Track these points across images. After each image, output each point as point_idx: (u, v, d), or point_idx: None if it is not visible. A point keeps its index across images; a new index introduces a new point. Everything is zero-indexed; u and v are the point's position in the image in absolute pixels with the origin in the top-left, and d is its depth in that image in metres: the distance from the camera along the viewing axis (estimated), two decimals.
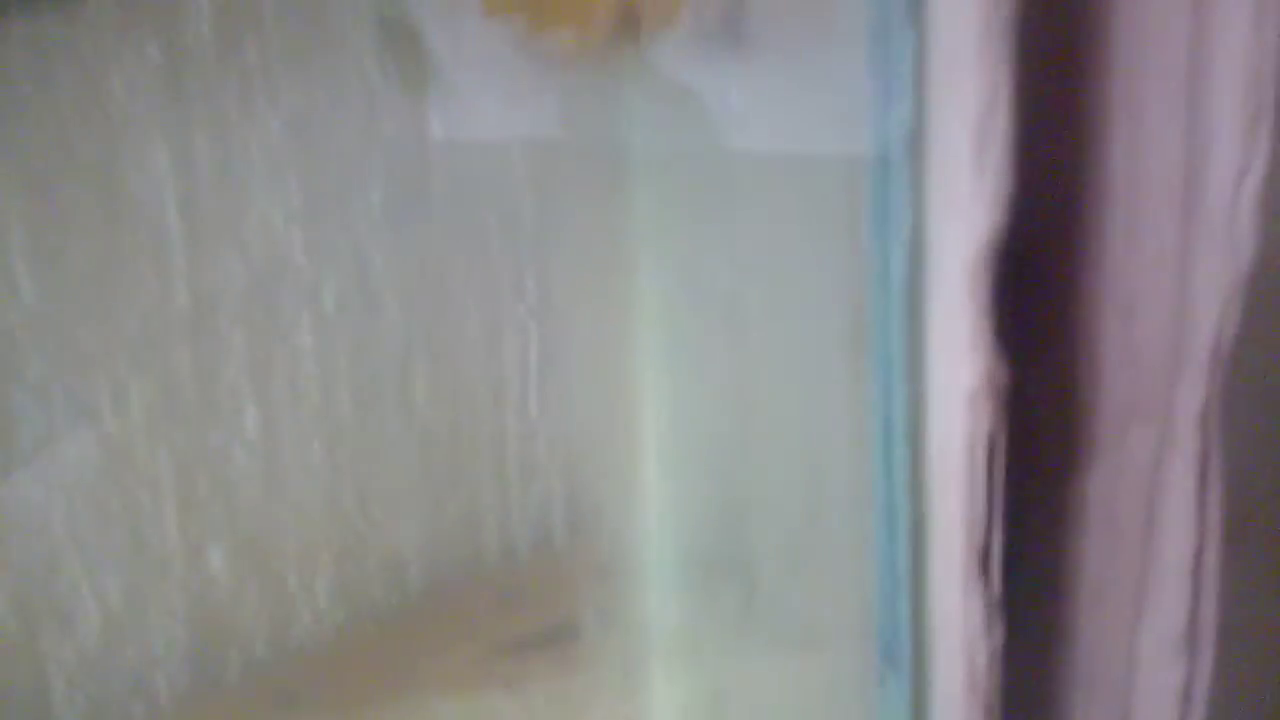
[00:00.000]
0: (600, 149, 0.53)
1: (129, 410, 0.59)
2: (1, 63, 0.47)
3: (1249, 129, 0.20)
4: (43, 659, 0.55)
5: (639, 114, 0.43)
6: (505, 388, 0.71)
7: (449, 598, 0.65)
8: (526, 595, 0.63)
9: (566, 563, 0.60)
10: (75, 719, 0.57)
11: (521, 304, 0.71)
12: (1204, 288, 0.20)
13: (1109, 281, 0.22)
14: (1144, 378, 0.22)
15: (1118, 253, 0.22)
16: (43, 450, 0.54)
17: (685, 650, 0.43)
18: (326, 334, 0.65)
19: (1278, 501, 0.23)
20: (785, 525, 0.34)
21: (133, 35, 0.52)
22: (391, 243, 0.66)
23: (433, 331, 0.67)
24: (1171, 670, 0.21)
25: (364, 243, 0.65)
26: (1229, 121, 0.20)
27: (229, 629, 0.62)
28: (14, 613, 0.54)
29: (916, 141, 0.22)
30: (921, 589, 0.24)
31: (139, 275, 0.59)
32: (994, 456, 0.22)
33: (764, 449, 0.36)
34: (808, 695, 0.31)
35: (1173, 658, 0.21)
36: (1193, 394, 0.21)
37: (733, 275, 0.37)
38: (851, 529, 0.25)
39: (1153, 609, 0.22)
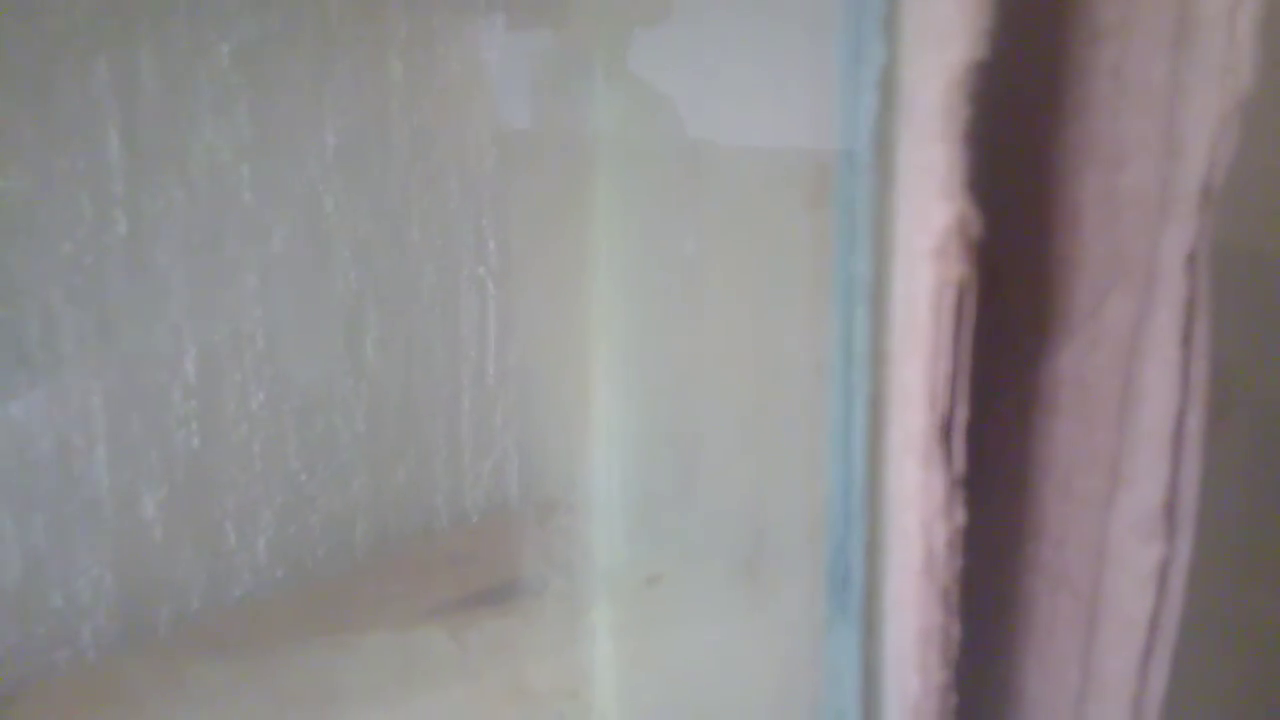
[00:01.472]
0: (567, 115, 0.51)
1: (60, 342, 0.56)
2: None
3: None
4: None
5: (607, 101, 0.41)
6: (461, 348, 0.69)
7: (395, 559, 0.63)
8: (477, 558, 0.60)
9: (518, 527, 0.58)
10: None
11: (482, 265, 0.69)
12: (1196, 123, 0.19)
13: (1093, 129, 0.21)
14: (1127, 233, 0.20)
15: (1103, 95, 0.20)
16: None
17: (630, 604, 0.40)
18: (273, 277, 0.62)
19: (1261, 375, 0.22)
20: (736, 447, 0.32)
21: None
22: (345, 187, 0.63)
23: (387, 285, 0.65)
24: (1146, 550, 0.20)
25: (316, 185, 0.63)
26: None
27: (162, 581, 0.60)
28: None
29: None
30: (879, 470, 0.22)
31: (75, 200, 0.56)
32: (962, 311, 0.20)
33: (720, 387, 0.34)
34: (757, 603, 0.29)
35: (1147, 538, 0.20)
36: (1180, 237, 0.19)
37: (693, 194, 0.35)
38: (799, 416, 0.23)
39: (1127, 486, 0.20)
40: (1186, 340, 0.19)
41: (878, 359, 0.22)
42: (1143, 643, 0.20)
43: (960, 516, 0.21)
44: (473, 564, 0.60)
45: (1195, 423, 0.19)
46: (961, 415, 0.21)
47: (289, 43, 0.60)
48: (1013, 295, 0.22)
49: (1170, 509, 0.19)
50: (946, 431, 0.21)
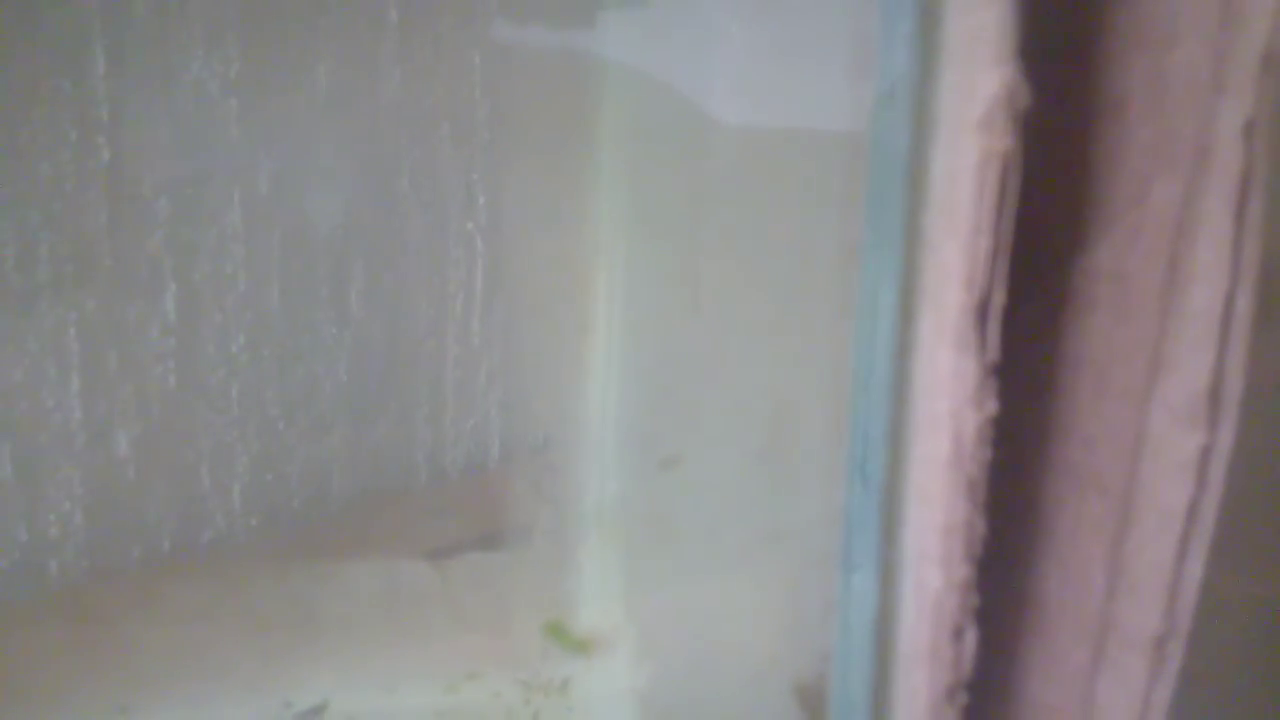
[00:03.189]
0: (567, 66, 0.50)
1: (35, 268, 0.55)
2: None
3: None
4: None
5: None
6: (448, 303, 0.67)
7: (374, 511, 0.61)
8: (458, 512, 0.59)
9: (500, 479, 0.57)
10: None
11: (470, 220, 0.68)
12: None
13: (1145, 9, 0.20)
14: (1177, 112, 0.19)
15: None
16: None
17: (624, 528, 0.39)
18: (258, 217, 0.61)
19: None
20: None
21: None
22: (335, 131, 0.62)
23: (373, 235, 0.63)
24: (1189, 437, 0.19)
25: (306, 126, 0.62)
26: None
27: (132, 520, 0.58)
28: None
29: None
30: (907, 356, 0.21)
31: (56, 123, 0.54)
32: (1006, 187, 0.19)
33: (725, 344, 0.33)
34: (776, 490, 0.28)
35: (1189, 425, 0.19)
36: (1237, 108, 0.18)
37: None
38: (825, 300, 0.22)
39: (1169, 373, 0.19)
40: (1239, 216, 0.18)
41: (911, 237, 0.21)
42: (1180, 532, 0.19)
43: (992, 406, 0.20)
44: (454, 517, 0.59)
45: (1244, 303, 0.18)
46: (999, 299, 0.20)
47: None
48: (1052, 184, 0.21)
49: (1215, 394, 0.19)
50: (983, 315, 0.20)
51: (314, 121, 0.61)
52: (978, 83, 0.19)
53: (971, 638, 0.21)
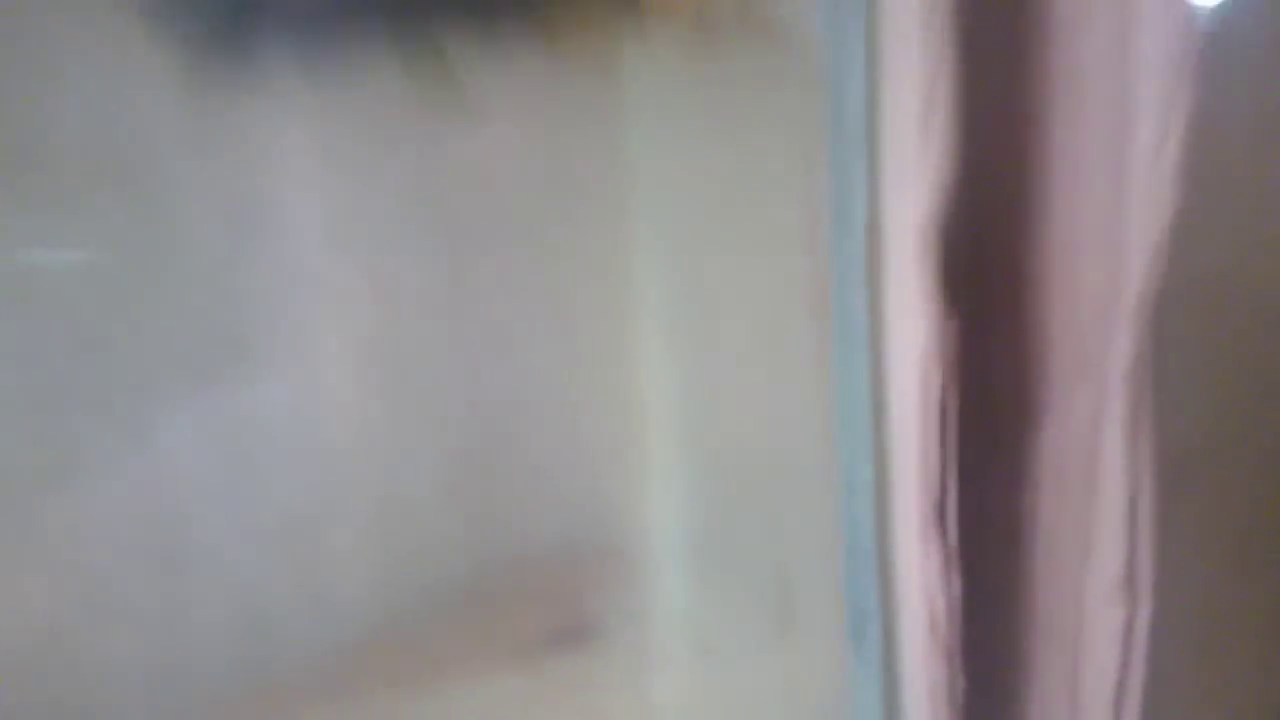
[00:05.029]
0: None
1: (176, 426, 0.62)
2: None
3: (1168, 98, 0.21)
4: (105, 652, 0.58)
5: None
6: (529, 394, 0.73)
7: (480, 594, 0.67)
8: (550, 596, 0.64)
9: (586, 570, 0.62)
10: (134, 710, 0.60)
11: (545, 317, 0.73)
12: (1133, 248, 0.22)
13: (1052, 250, 0.24)
14: (1084, 339, 0.23)
15: (1059, 221, 0.24)
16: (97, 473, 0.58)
17: (690, 633, 0.44)
18: (347, 341, 0.67)
19: (1212, 457, 0.25)
20: (764, 500, 0.36)
21: None
22: (415, 247, 0.68)
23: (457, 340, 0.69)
24: (1114, 611, 0.23)
25: (398, 251, 0.68)
26: (1152, 94, 0.21)
27: (269, 622, 0.65)
28: (85, 613, 0.57)
29: (870, 126, 0.24)
30: (886, 547, 0.26)
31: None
32: (946, 413, 0.24)
33: (745, 436, 0.38)
34: (786, 657, 0.33)
35: (1115, 600, 0.23)
36: (1124, 350, 0.22)
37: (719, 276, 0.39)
38: (819, 494, 0.27)
39: (1097, 556, 0.23)
40: (1134, 439, 0.22)
41: (879, 452, 0.25)
42: (1114, 690, 0.23)
43: (957, 586, 0.24)
44: (555, 600, 0.64)
45: (1147, 508, 0.22)
46: (953, 499, 0.24)
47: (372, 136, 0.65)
48: (998, 380, 0.25)
49: (1130, 579, 0.23)
50: (940, 513, 0.24)
51: (401, 246, 0.67)
52: (913, 332, 0.24)
53: None
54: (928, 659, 0.25)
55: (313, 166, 0.59)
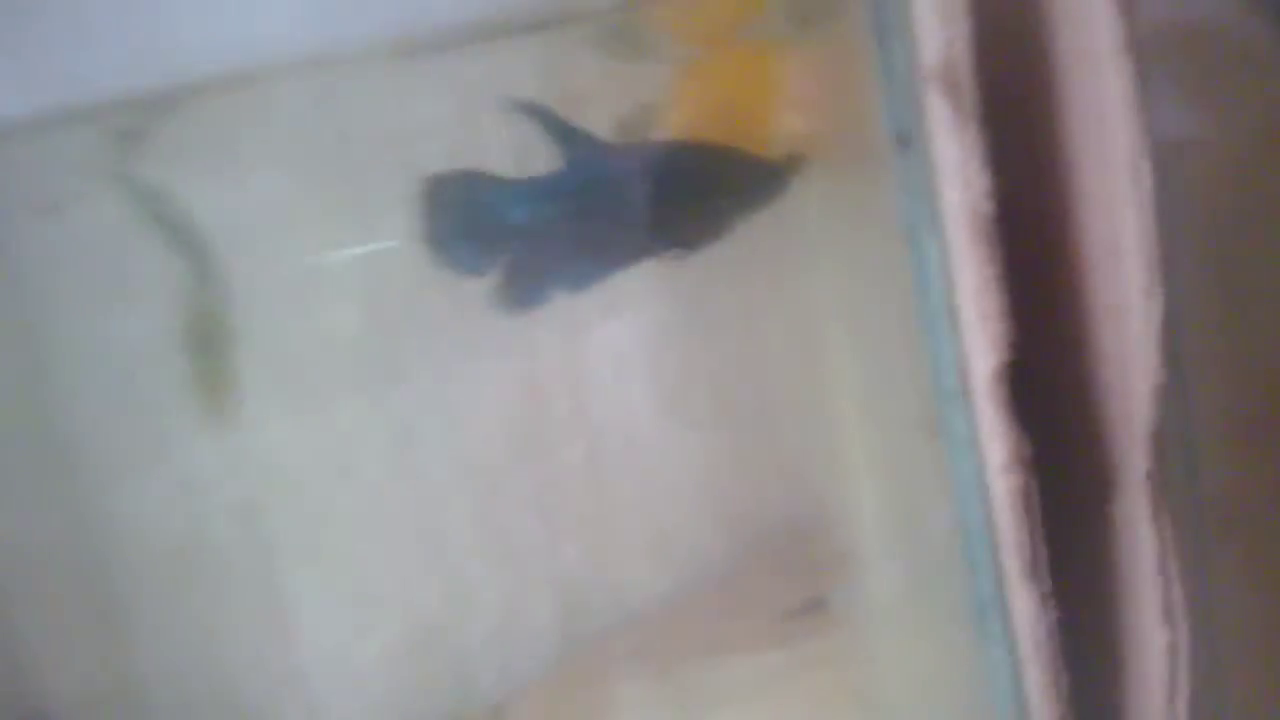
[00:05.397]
0: None
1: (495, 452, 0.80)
2: None
3: (1148, 292, 0.30)
4: (466, 637, 0.77)
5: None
6: (764, 410, 0.85)
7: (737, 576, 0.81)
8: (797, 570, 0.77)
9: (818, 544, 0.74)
10: (488, 681, 0.79)
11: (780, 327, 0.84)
12: (1138, 390, 0.31)
13: (1091, 385, 0.34)
14: (1117, 446, 0.33)
15: (1093, 365, 0.33)
16: (452, 497, 0.76)
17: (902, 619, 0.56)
18: (624, 374, 0.82)
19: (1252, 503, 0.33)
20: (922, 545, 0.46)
21: None
22: (663, 295, 0.82)
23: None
24: (1160, 636, 0.33)
25: (641, 299, 0.82)
26: (1137, 288, 0.30)
27: (579, 603, 0.82)
28: (444, 604, 0.76)
29: (950, 306, 0.34)
30: (1002, 589, 0.36)
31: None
32: (1028, 502, 0.34)
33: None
34: (940, 658, 0.44)
35: (1160, 628, 0.33)
36: (1141, 461, 0.32)
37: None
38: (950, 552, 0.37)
39: (1144, 596, 0.33)
40: (1157, 523, 0.32)
41: (990, 525, 0.36)
42: (1167, 694, 0.33)
43: (1052, 615, 0.35)
44: (797, 576, 0.77)
45: (1174, 562, 0.32)
46: (1042, 557, 0.35)
47: None
48: (1067, 476, 0.35)
49: (1168, 613, 0.32)
50: (1033, 567, 0.35)
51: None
52: (995, 451, 0.34)
53: None
54: (1037, 665, 0.35)
55: None
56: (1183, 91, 0.30)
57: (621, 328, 0.83)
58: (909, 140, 0.34)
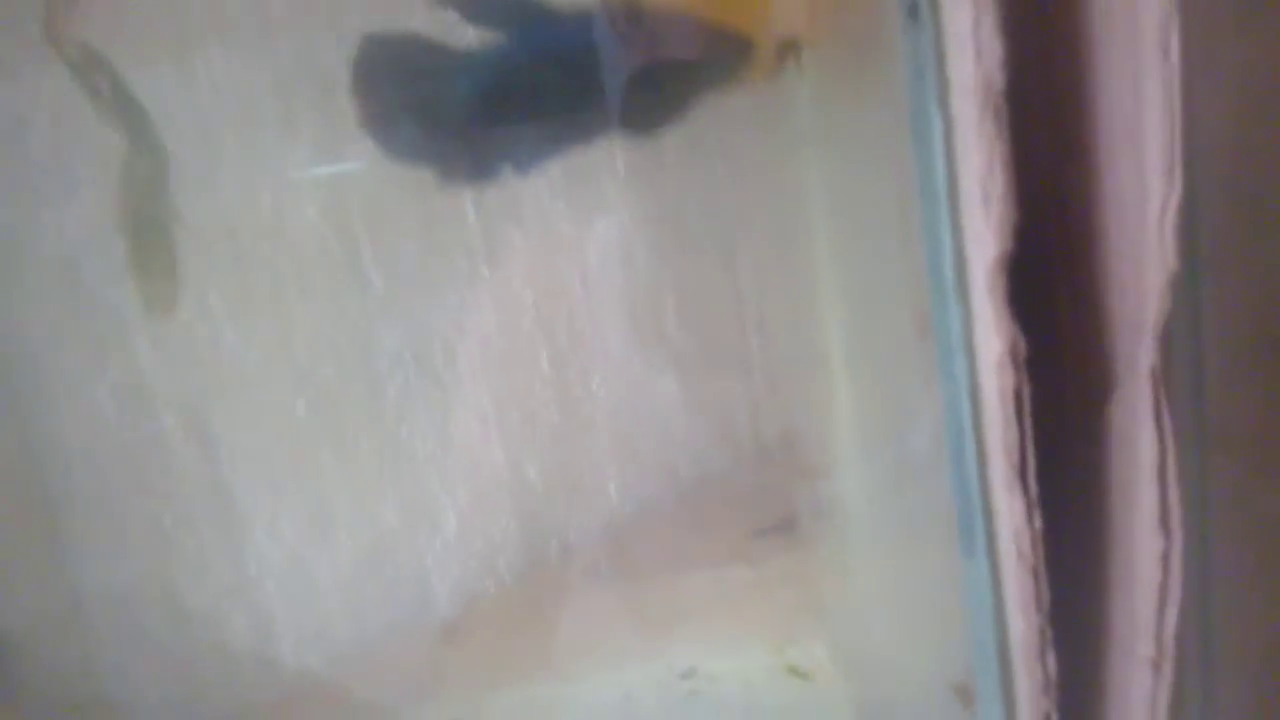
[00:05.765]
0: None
1: (457, 363, 0.77)
2: None
3: (1168, 173, 0.28)
4: (420, 551, 0.75)
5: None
6: (742, 316, 0.83)
7: (710, 490, 0.80)
8: (770, 489, 0.76)
9: (794, 468, 0.73)
10: (444, 596, 0.78)
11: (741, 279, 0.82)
12: (1151, 281, 0.29)
13: (1095, 276, 0.31)
14: (1124, 345, 0.31)
15: (1100, 252, 0.31)
16: (411, 408, 0.73)
17: (870, 534, 0.54)
18: (592, 288, 0.80)
19: (1223, 428, 0.31)
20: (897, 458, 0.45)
21: None
22: (636, 206, 0.79)
23: (681, 280, 0.80)
24: (1155, 543, 0.31)
25: (614, 211, 0.80)
26: (1157, 169, 0.28)
27: (547, 522, 0.80)
28: (400, 517, 0.74)
29: (952, 193, 0.32)
30: (987, 495, 0.35)
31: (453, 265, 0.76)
32: (1021, 402, 0.32)
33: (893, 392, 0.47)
34: (922, 568, 0.42)
35: (1154, 534, 0.31)
36: (1147, 358, 0.30)
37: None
38: (935, 456, 0.36)
39: (1140, 502, 0.31)
40: (1159, 419, 0.30)
41: (977, 428, 0.34)
42: (1157, 601, 0.31)
43: (1039, 523, 0.33)
44: (769, 494, 0.76)
45: (1172, 467, 0.30)
46: (1031, 463, 0.33)
47: None
48: (1064, 372, 0.33)
49: (1164, 520, 0.31)
50: (1022, 474, 0.33)
51: (623, 206, 0.79)
52: (992, 345, 0.32)
53: (1051, 659, 0.34)
54: (1019, 575, 0.34)
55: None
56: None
57: (591, 236, 0.80)
58: (917, 11, 0.31)
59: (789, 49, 0.51)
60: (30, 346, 0.64)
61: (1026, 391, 0.32)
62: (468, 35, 0.55)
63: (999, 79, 0.29)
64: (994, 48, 0.29)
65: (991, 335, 0.32)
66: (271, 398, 0.69)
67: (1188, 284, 0.33)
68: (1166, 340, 0.29)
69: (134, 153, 0.48)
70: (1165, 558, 0.31)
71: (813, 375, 0.62)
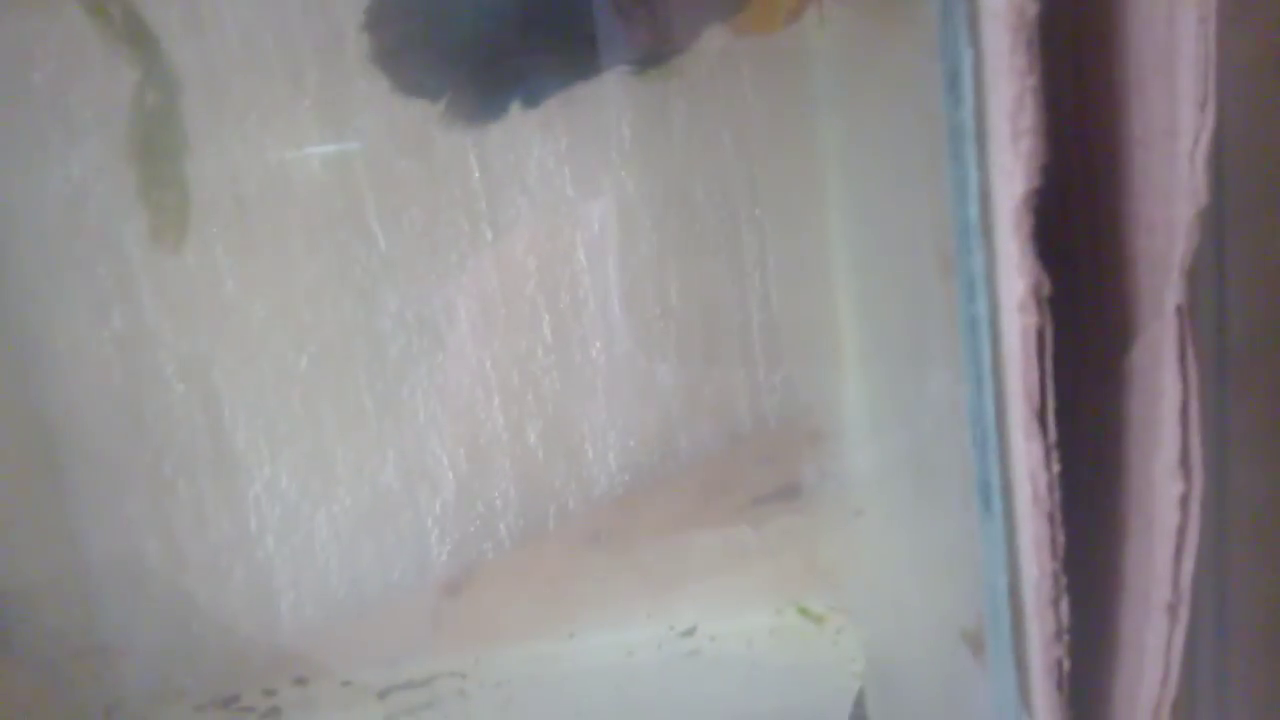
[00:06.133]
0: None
1: (459, 325, 0.77)
2: None
3: (1201, 105, 0.28)
4: (422, 512, 0.75)
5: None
6: (745, 283, 0.83)
7: (711, 461, 0.80)
8: (775, 459, 0.76)
9: (799, 437, 0.73)
10: (444, 556, 0.78)
11: (757, 207, 0.82)
12: (1179, 217, 0.29)
13: (1120, 214, 0.31)
14: (1148, 282, 0.31)
15: (1129, 194, 0.31)
16: (412, 368, 0.73)
17: (879, 490, 0.54)
18: (596, 253, 0.80)
19: (1256, 363, 0.31)
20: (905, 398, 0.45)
21: None
22: (640, 169, 0.79)
23: (681, 242, 0.80)
24: (1174, 485, 0.31)
25: (618, 169, 0.79)
26: (1189, 101, 0.28)
27: (546, 489, 0.80)
28: (400, 477, 0.74)
29: (979, 130, 0.32)
30: (1005, 439, 0.34)
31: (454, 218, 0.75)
32: (1043, 341, 0.32)
33: (904, 348, 0.46)
34: (934, 519, 0.42)
35: (1174, 477, 0.31)
36: (1174, 293, 0.29)
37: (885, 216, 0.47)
38: (954, 398, 0.35)
39: (1160, 444, 0.31)
40: (1182, 358, 0.30)
41: (996, 369, 0.34)
42: (1175, 544, 0.31)
43: (1056, 466, 0.33)
44: (770, 466, 0.76)
45: (1196, 407, 0.30)
46: (1050, 405, 0.33)
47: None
48: (1084, 313, 0.33)
49: (1184, 462, 0.30)
50: (1041, 415, 0.33)
51: (623, 164, 0.78)
52: (1014, 283, 0.32)
53: (1065, 605, 0.34)
54: (1034, 520, 0.34)
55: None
56: None
57: (595, 203, 0.80)
58: None
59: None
60: (32, 294, 0.63)
61: (1049, 331, 0.32)
62: None
63: (1032, 7, 0.28)
64: None
65: (1015, 275, 0.32)
66: (273, 351, 0.68)
67: (1212, 231, 0.33)
68: (1194, 278, 0.29)
69: (145, 81, 0.48)
70: (1184, 501, 0.31)
71: (821, 346, 0.62)
